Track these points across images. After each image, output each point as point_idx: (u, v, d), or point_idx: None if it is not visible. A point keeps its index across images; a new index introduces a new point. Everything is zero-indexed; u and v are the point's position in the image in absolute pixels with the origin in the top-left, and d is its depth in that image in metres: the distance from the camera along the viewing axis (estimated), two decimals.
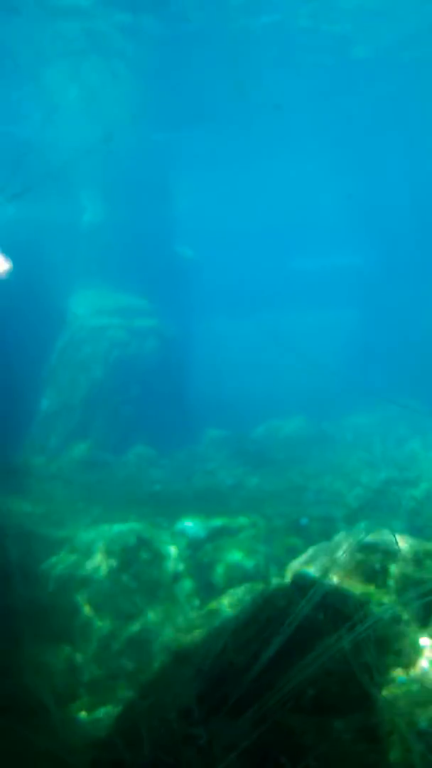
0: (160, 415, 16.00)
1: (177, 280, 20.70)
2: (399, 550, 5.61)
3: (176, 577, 8.31)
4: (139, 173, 20.41)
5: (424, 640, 4.80)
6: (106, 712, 6.55)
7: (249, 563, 8.80)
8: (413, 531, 10.01)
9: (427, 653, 4.68)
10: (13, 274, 16.34)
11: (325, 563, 5.74)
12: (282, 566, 7.99)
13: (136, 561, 8.22)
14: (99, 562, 8.06)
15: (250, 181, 26.98)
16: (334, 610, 5.22)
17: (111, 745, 5.40)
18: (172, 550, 8.59)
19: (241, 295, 27.84)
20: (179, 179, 23.43)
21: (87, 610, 7.64)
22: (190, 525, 9.23)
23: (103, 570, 7.99)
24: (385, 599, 5.22)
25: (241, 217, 29.59)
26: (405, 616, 5.01)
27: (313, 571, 5.69)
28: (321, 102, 19.11)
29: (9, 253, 16.62)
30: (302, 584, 5.54)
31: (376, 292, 24.40)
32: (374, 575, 5.48)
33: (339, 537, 6.09)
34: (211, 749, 4.58)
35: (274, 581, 6.69)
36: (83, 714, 6.69)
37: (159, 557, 8.43)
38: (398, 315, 22.14)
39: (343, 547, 5.84)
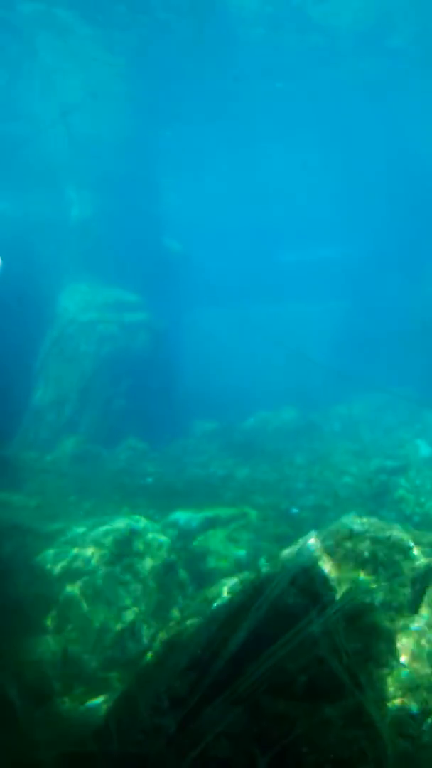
0: (151, 408, 16.06)
1: (166, 274, 20.71)
2: (388, 538, 5.67)
3: (168, 568, 8.37)
4: (126, 167, 20.36)
5: (414, 626, 4.86)
6: (98, 703, 6.59)
7: (240, 553, 8.90)
8: (402, 519, 10.14)
9: (417, 639, 4.72)
10: (2, 268, 16.34)
11: (315, 552, 5.77)
12: (273, 556, 8.09)
13: (129, 553, 8.27)
14: (91, 555, 8.10)
15: (237, 174, 26.97)
16: (323, 597, 5.27)
17: (102, 736, 5.48)
18: (164, 541, 8.65)
19: (230, 288, 27.83)
20: (166, 172, 23.38)
21: (79, 601, 7.69)
22: (181, 516, 9.31)
23: (96, 562, 8.03)
24: (375, 586, 5.28)
25: (228, 210, 29.53)
26: (395, 603, 5.08)
27: (303, 559, 5.72)
28: (308, 93, 19.11)
29: None
30: (292, 573, 5.59)
31: (364, 283, 24.49)
32: (364, 563, 5.53)
33: (329, 526, 6.14)
34: (204, 735, 4.64)
35: (265, 570, 6.77)
36: (75, 705, 6.71)
37: (151, 548, 8.49)
38: (386, 305, 22.24)
39: (332, 536, 5.87)
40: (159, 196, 22.21)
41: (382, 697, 4.31)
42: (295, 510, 10.33)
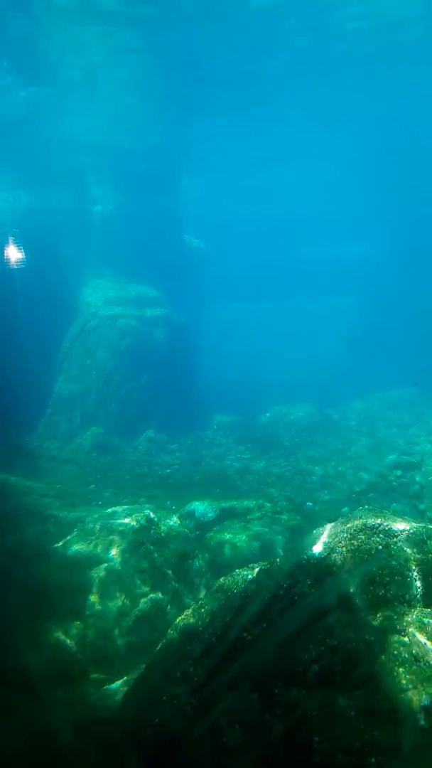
0: (170, 401, 16.22)
1: (186, 270, 20.85)
2: (402, 531, 5.65)
3: (184, 557, 8.48)
4: (147, 164, 20.47)
5: (426, 619, 4.84)
6: (115, 687, 6.71)
7: (255, 544, 8.95)
8: (416, 514, 10.15)
9: (429, 632, 4.70)
10: (27, 263, 16.57)
11: (329, 544, 5.78)
12: (287, 547, 8.15)
13: (147, 541, 8.39)
14: (110, 543, 8.23)
15: (258, 173, 26.89)
16: (337, 588, 5.29)
17: (117, 721, 5.59)
18: (181, 531, 8.75)
19: (248, 285, 27.87)
20: (188, 170, 23.43)
21: (98, 588, 7.83)
22: (198, 507, 9.37)
23: (114, 550, 8.17)
24: (388, 579, 5.24)
25: (248, 208, 29.51)
26: (407, 596, 5.07)
27: (317, 551, 5.72)
28: (334, 93, 19.01)
29: (23, 243, 16.84)
30: (306, 564, 5.61)
31: (382, 280, 24.40)
32: (377, 555, 5.52)
33: (342, 519, 6.14)
34: (218, 722, 4.72)
35: (279, 561, 6.81)
36: (93, 688, 6.84)
37: (168, 538, 8.60)
38: (404, 303, 22.14)
39: (346, 528, 5.88)
40: (180, 194, 22.29)
41: (396, 689, 4.32)
42: (309, 503, 10.36)
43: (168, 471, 12.67)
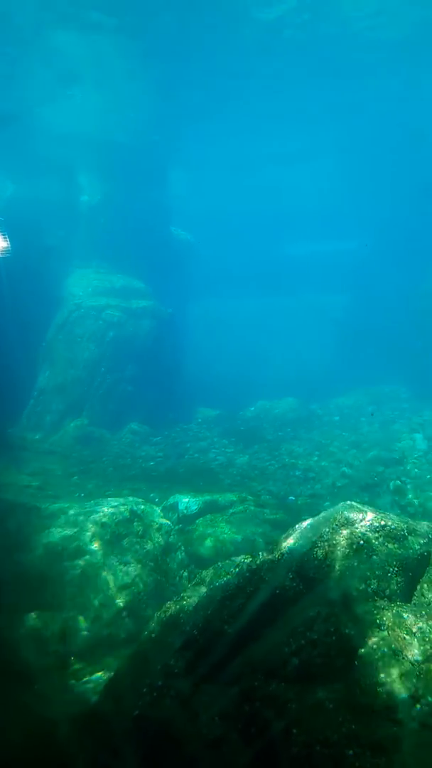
0: (155, 393, 16.19)
1: (173, 263, 20.75)
2: (383, 527, 5.69)
3: (167, 550, 8.50)
4: (135, 155, 20.32)
5: (406, 614, 4.88)
6: (95, 678, 6.72)
7: (237, 537, 8.99)
8: (397, 509, 10.25)
9: (409, 627, 4.74)
10: (11, 251, 16.40)
11: (311, 538, 5.81)
12: (269, 541, 8.18)
13: (129, 533, 8.40)
14: (92, 534, 8.24)
15: (246, 166, 26.83)
16: (318, 582, 5.32)
17: (99, 711, 5.60)
18: (164, 523, 8.78)
19: (235, 279, 27.87)
20: (176, 163, 23.31)
21: (80, 579, 7.83)
22: (181, 500, 9.40)
23: (97, 542, 8.17)
24: (369, 574, 5.29)
25: (237, 203, 29.45)
26: (388, 591, 5.11)
27: (298, 545, 5.76)
28: (324, 81, 18.96)
29: (7, 231, 16.67)
30: (288, 558, 5.63)
31: (368, 278, 24.50)
32: (358, 550, 5.55)
33: (324, 513, 6.16)
34: (197, 714, 4.74)
35: (261, 555, 6.84)
36: (72, 681, 6.85)
37: (151, 530, 8.61)
38: (388, 301, 22.26)
39: (328, 522, 5.90)
40: (168, 185, 22.17)
41: (375, 683, 4.34)
42: (292, 498, 10.41)
43: (152, 463, 12.67)
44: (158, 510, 9.14)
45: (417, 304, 21.11)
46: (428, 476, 11.61)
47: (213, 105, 19.99)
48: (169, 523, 8.87)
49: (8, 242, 16.55)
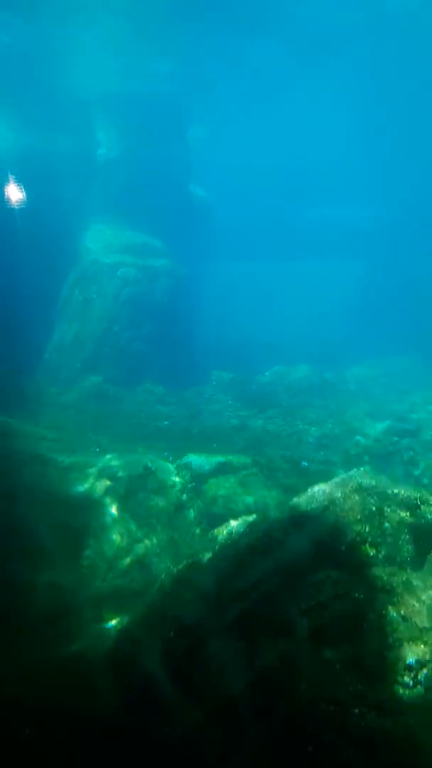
0: (170, 353, 16.14)
1: (191, 222, 20.40)
2: (396, 494, 5.73)
3: (180, 507, 8.62)
4: (154, 110, 19.85)
5: (416, 581, 4.95)
6: (108, 626, 6.89)
7: (249, 498, 9.07)
8: (410, 479, 10.31)
9: (418, 594, 4.82)
10: (27, 204, 16.18)
11: (323, 502, 5.85)
12: (280, 503, 8.28)
13: (143, 489, 8.53)
14: (107, 488, 8.37)
15: (267, 124, 26.15)
16: (328, 546, 5.39)
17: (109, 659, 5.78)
18: (177, 481, 8.88)
19: (254, 242, 27.45)
20: (197, 121, 22.77)
21: (95, 531, 7.99)
22: (195, 460, 9.44)
23: (111, 495, 8.32)
24: (380, 540, 5.30)
25: (258, 163, 28.80)
26: (398, 558, 5.17)
27: (310, 508, 5.79)
28: (354, 43, 18.37)
29: (24, 183, 16.41)
30: (300, 520, 5.68)
31: (389, 246, 24.11)
32: (370, 516, 5.60)
33: (337, 479, 6.19)
34: (207, 666, 4.87)
35: (273, 516, 6.92)
36: (85, 628, 7.00)
37: (164, 487, 8.73)
38: (408, 270, 21.96)
39: (340, 488, 5.94)
40: (187, 142, 21.70)
41: (382, 646, 4.44)
42: (305, 463, 10.46)
43: (166, 423, 12.74)
44: (172, 468, 9.23)
45: None
46: None
47: (237, 61, 19.43)
48: (182, 481, 8.97)
49: (24, 194, 16.34)
